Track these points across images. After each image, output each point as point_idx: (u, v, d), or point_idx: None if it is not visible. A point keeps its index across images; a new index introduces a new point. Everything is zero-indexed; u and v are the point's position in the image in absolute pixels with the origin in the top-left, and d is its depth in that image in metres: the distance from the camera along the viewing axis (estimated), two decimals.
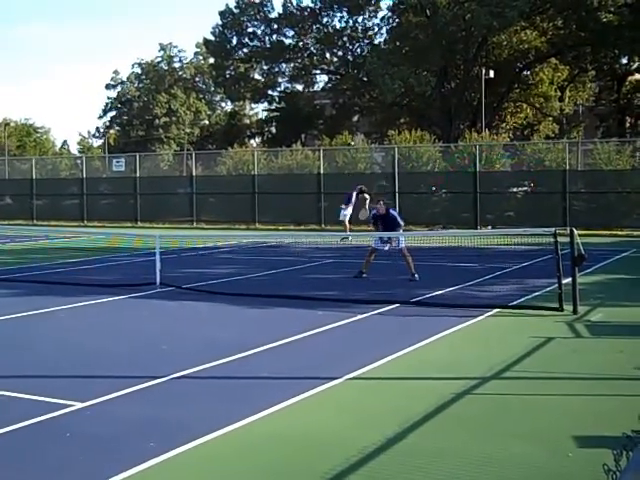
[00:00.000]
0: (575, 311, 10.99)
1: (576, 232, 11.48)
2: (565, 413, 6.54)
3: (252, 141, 71.74)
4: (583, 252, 11.37)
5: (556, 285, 11.49)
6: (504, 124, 51.99)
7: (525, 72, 50.77)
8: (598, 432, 5.99)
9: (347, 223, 24.86)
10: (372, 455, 5.50)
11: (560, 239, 11.66)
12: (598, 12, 43.39)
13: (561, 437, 5.85)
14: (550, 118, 52.49)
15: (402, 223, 15.65)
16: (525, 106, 52.86)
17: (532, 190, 30.04)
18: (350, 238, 21.48)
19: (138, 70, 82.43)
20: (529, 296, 12.66)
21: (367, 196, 23.84)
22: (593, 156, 31.16)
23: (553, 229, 11.92)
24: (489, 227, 28.53)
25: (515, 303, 11.98)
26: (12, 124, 77.64)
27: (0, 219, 36.84)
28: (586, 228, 23.20)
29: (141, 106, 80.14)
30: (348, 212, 24.77)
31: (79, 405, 6.70)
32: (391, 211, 15.77)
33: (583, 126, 54.42)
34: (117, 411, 6.64)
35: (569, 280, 11.26)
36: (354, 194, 24.67)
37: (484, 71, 42.83)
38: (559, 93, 51.36)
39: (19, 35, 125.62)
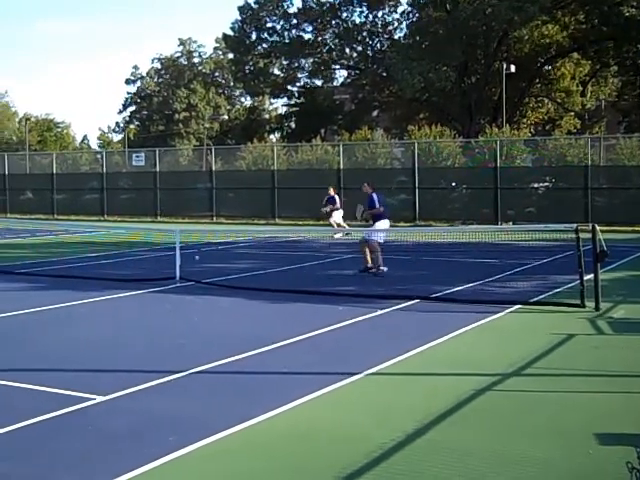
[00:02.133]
0: (597, 308, 10.90)
1: (598, 228, 11.38)
2: (586, 410, 6.48)
3: (271, 136, 71.81)
4: (605, 248, 11.26)
5: (578, 281, 11.40)
6: (525, 119, 51.66)
7: (546, 67, 50.41)
8: (620, 430, 5.93)
9: (341, 223, 25.12)
10: (391, 451, 5.47)
11: (582, 235, 11.55)
12: (620, 6, 42.97)
13: (582, 435, 5.80)
14: (572, 113, 52.13)
15: (377, 205, 15.17)
16: (546, 101, 52.53)
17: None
18: (337, 235, 22.50)
19: (158, 65, 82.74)
20: (550, 292, 12.56)
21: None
22: (615, 151, 30.91)
23: (575, 225, 11.81)
24: (510, 223, 28.35)
25: (536, 299, 11.88)
26: (32, 119, 78.19)
27: (21, 213, 37.16)
28: (608, 224, 23.01)
29: (161, 101, 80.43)
30: (339, 214, 25.16)
31: (100, 399, 6.72)
32: (373, 194, 15.38)
33: (605, 121, 53.97)
34: (137, 405, 6.65)
35: (591, 276, 11.16)
36: (336, 196, 25.47)
37: (505, 66, 42.55)
38: (581, 88, 50.99)
39: (39, 31, 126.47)
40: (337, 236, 23.65)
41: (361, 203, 16.36)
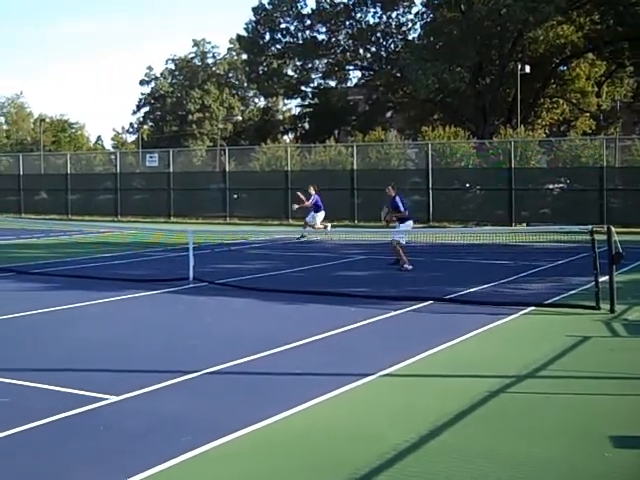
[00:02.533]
0: (612, 310, 10.82)
1: (613, 230, 11.31)
2: (602, 413, 6.44)
3: (285, 137, 71.86)
4: (621, 250, 11.19)
5: (593, 283, 11.34)
6: (540, 120, 51.47)
7: (561, 67, 50.22)
8: (636, 432, 5.90)
9: (317, 225, 23.95)
10: (405, 452, 5.45)
11: (597, 237, 11.48)
12: (636, 6, 42.71)
13: (598, 437, 5.76)
14: (587, 114, 51.90)
15: (402, 209, 16.26)
16: (561, 102, 52.32)
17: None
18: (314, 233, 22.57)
19: (172, 66, 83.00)
20: (565, 294, 12.49)
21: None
22: (631, 152, 30.75)
23: (590, 227, 11.75)
24: (524, 224, 28.25)
25: (551, 301, 11.82)
26: (47, 120, 78.56)
27: (35, 213, 37.33)
28: (624, 226, 22.89)
29: (174, 102, 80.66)
30: (321, 216, 24.09)
31: (113, 399, 6.74)
32: (397, 197, 16.54)
33: (621, 122, 53.70)
34: (150, 405, 6.66)
35: (606, 278, 11.10)
36: (317, 196, 24.10)
37: (520, 66, 42.43)
38: (596, 89, 50.77)
39: (55, 31, 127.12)
40: (304, 238, 23.07)
41: (380, 204, 17.03)
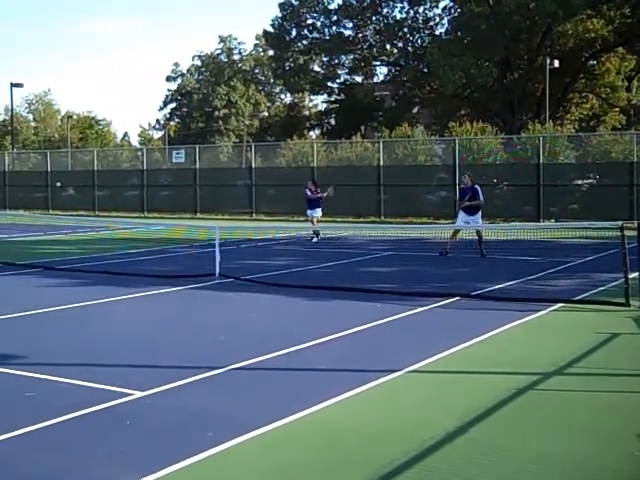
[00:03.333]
0: None
1: None
2: (631, 411, 6.34)
3: (311, 133, 71.92)
4: None
5: (622, 280, 11.18)
6: (569, 115, 51.03)
7: (591, 62, 49.67)
8: None
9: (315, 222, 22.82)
10: (431, 449, 5.40)
11: (627, 233, 11.34)
12: None
13: (627, 435, 5.67)
14: (617, 109, 51.34)
15: (482, 198, 17.44)
16: (591, 97, 51.79)
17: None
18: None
19: (198, 62, 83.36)
20: (594, 291, 12.33)
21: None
22: None
23: (620, 222, 11.59)
24: (552, 220, 27.98)
25: (579, 298, 11.67)
26: (75, 117, 79.20)
27: (63, 210, 37.63)
28: None
29: (201, 98, 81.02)
30: (319, 211, 22.88)
31: (139, 394, 6.74)
32: (475, 185, 17.57)
33: None
34: (176, 401, 6.65)
35: (636, 275, 10.95)
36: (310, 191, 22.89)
37: (548, 61, 41.99)
38: (626, 83, 50.20)
39: (82, 29, 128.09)
40: (315, 240, 21.55)
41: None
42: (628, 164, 28.10)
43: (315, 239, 21.54)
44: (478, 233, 17.08)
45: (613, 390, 6.92)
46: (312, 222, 22.74)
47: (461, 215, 17.46)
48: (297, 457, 5.36)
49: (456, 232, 17.42)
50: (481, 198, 17.41)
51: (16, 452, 5.45)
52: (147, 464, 5.16)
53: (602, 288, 12.54)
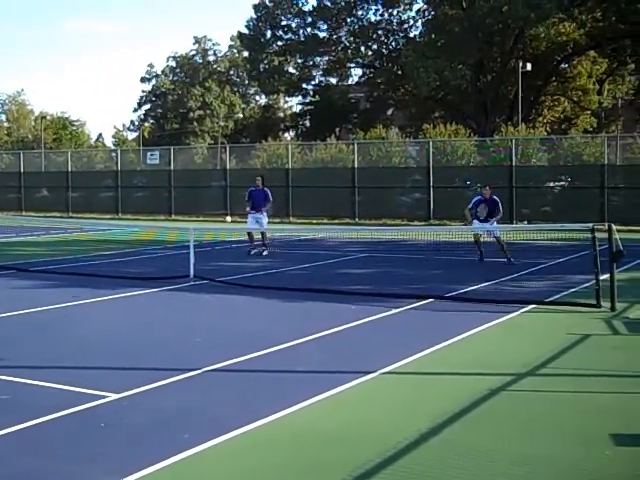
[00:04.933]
0: (613, 308, 10.81)
1: (614, 228, 11.30)
2: (602, 411, 6.43)
3: (286, 134, 71.94)
4: (621, 248, 11.18)
5: (593, 281, 11.32)
6: (541, 118, 51.45)
7: (563, 65, 50.19)
8: (637, 431, 5.88)
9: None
10: (405, 450, 5.45)
11: (598, 235, 11.47)
12: (638, 4, 42.66)
13: (598, 436, 5.75)
14: (588, 112, 51.89)
15: (501, 210, 17.28)
16: (563, 99, 52.29)
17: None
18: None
19: (173, 63, 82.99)
20: (566, 292, 12.48)
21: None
22: (632, 150, 30.74)
23: (591, 224, 11.73)
24: (525, 222, 28.22)
25: (551, 299, 11.80)
26: (48, 117, 78.49)
27: (36, 211, 37.31)
28: (624, 224, 22.84)
29: (175, 99, 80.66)
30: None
31: (114, 396, 6.73)
32: (494, 197, 17.16)
33: (622, 120, 53.62)
34: (151, 403, 6.66)
35: (607, 276, 11.09)
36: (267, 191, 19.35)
37: (521, 64, 42.35)
38: (598, 86, 50.73)
39: (56, 30, 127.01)
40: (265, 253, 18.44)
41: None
42: (599, 166, 28.41)
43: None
44: (499, 240, 16.48)
45: (584, 390, 7.02)
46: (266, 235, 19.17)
47: (478, 224, 16.83)
48: (272, 459, 5.39)
49: (477, 236, 16.88)
50: (501, 210, 17.26)
51: None
52: (126, 465, 5.17)
53: (574, 289, 12.69)
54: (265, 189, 18.99)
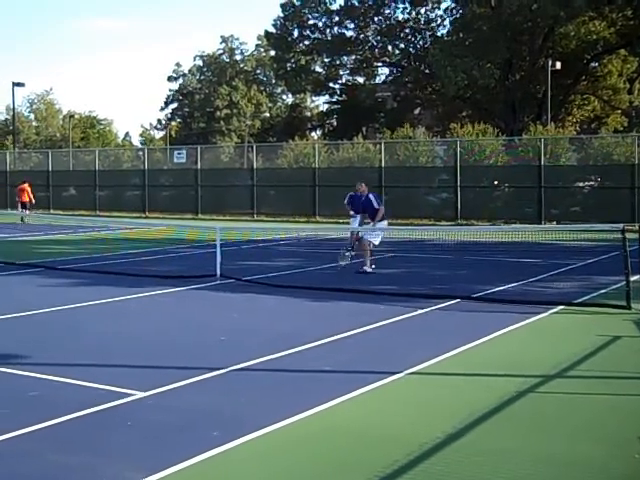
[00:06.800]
0: None
1: None
2: (632, 414, 6.34)
3: (313, 134, 71.86)
4: None
5: (623, 283, 11.18)
6: (570, 117, 50.97)
7: (593, 64, 49.64)
8: None
9: None
10: (431, 452, 5.40)
11: (628, 235, 11.34)
12: None
13: (627, 438, 5.67)
14: (619, 111, 51.30)
15: (377, 206, 15.39)
16: (593, 99, 51.73)
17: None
18: None
19: (200, 62, 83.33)
20: (595, 293, 12.33)
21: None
22: None
23: (621, 225, 11.59)
24: (554, 222, 27.98)
25: (580, 300, 11.67)
26: (76, 116, 79.16)
27: (64, 209, 37.64)
28: None
29: (202, 98, 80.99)
30: None
31: (140, 394, 6.74)
32: (370, 195, 15.75)
33: None
34: (178, 401, 6.66)
35: (637, 277, 10.94)
36: None
37: (550, 63, 41.96)
38: (628, 85, 50.16)
39: (83, 28, 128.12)
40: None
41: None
42: (630, 166, 28.10)
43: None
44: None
45: (615, 393, 6.93)
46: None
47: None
48: (297, 459, 5.37)
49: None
50: (376, 206, 15.52)
51: (20, 450, 5.46)
52: (151, 463, 5.17)
53: (603, 291, 12.54)
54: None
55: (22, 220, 29.52)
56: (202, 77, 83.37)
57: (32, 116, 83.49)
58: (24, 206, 31.32)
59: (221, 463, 5.26)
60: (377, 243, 15.38)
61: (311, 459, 5.36)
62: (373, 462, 5.20)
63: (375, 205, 15.42)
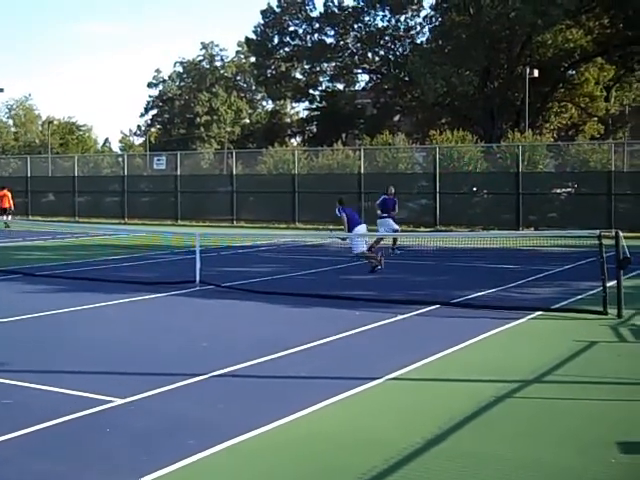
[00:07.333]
0: (620, 315, 10.78)
1: (621, 234, 11.26)
2: (609, 418, 6.41)
3: (293, 140, 71.85)
4: (628, 255, 11.14)
5: (600, 288, 11.29)
6: (548, 124, 51.34)
7: (570, 71, 50.06)
8: None
9: None
10: (410, 457, 5.43)
11: (605, 241, 11.44)
12: None
13: (604, 443, 5.73)
14: (595, 118, 51.76)
15: (339, 215, 16.75)
16: (570, 106, 52.16)
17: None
18: None
19: (180, 69, 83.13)
20: (572, 299, 12.45)
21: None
22: (639, 157, 30.58)
23: (598, 231, 11.69)
24: (531, 228, 28.17)
25: (558, 306, 11.77)
26: (55, 122, 78.74)
27: (43, 215, 37.40)
28: (631, 230, 22.80)
29: (182, 104, 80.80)
30: None
31: (119, 401, 6.73)
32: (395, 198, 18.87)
33: (629, 126, 53.52)
34: (157, 408, 6.65)
35: (614, 283, 11.05)
36: None
37: (528, 70, 42.29)
38: (605, 93, 50.61)
39: (62, 33, 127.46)
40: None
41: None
42: (606, 173, 28.37)
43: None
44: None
45: (591, 398, 6.99)
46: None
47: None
48: (278, 464, 5.38)
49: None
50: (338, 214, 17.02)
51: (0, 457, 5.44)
52: (129, 470, 5.17)
53: (580, 296, 12.66)
54: (395, 198, 20.65)
55: (7, 226, 29.30)
56: (182, 83, 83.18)
57: (11, 122, 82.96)
58: (4, 212, 31.08)
59: (199, 470, 5.26)
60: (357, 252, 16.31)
61: (290, 465, 5.37)
62: (352, 467, 5.23)
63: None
